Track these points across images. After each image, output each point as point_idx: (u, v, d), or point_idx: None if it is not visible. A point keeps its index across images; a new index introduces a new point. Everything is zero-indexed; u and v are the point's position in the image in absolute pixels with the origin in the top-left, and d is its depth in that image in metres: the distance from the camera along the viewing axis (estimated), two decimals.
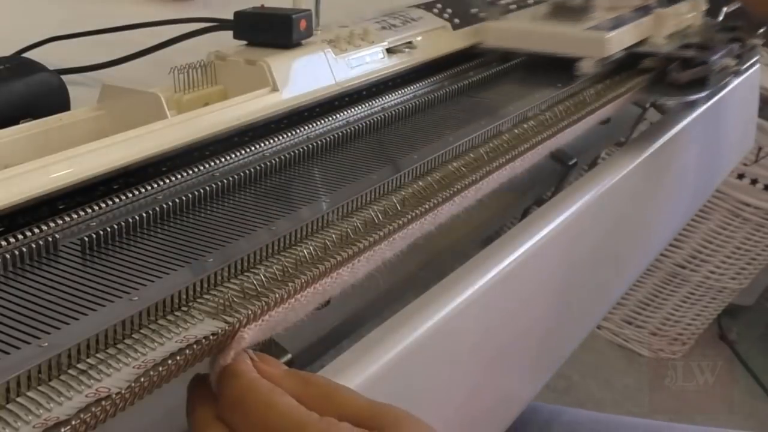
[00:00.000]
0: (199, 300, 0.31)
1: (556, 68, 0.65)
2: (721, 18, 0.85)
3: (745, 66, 0.80)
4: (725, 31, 0.79)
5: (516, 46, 0.68)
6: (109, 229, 0.35)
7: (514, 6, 0.76)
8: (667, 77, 0.67)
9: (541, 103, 0.58)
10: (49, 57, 0.57)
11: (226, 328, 0.30)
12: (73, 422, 0.24)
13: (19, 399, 0.25)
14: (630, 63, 0.69)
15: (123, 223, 0.36)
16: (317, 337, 0.42)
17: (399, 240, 0.39)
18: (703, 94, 0.69)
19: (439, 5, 0.70)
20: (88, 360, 0.27)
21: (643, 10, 0.75)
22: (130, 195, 0.40)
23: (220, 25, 0.63)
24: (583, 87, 0.63)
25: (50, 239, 0.34)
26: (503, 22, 0.71)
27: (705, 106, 0.80)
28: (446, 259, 0.50)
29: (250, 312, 0.30)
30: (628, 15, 0.73)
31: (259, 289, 0.32)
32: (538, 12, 0.75)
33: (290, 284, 0.33)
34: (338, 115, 0.53)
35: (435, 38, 0.66)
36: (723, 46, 0.72)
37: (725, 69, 0.71)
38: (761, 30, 0.83)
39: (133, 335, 0.29)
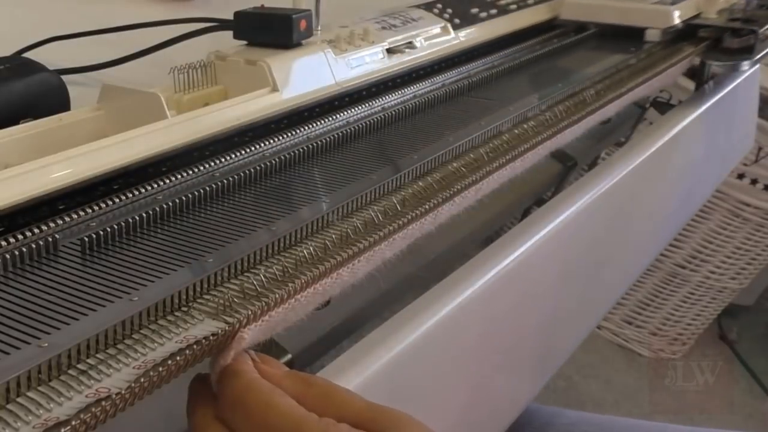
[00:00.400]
0: (199, 300, 0.31)
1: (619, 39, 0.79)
2: None
3: None
4: (765, 9, 0.91)
5: (591, 19, 0.82)
6: (109, 229, 0.35)
7: None
8: (721, 44, 0.82)
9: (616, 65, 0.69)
10: (49, 57, 0.57)
11: (226, 328, 0.30)
12: (73, 422, 0.24)
13: (19, 399, 0.25)
14: (687, 35, 0.83)
15: (123, 223, 0.36)
16: (317, 337, 0.42)
17: (399, 240, 0.39)
18: (752, 59, 0.80)
19: (439, 5, 0.70)
20: (88, 360, 0.27)
21: None
22: (130, 195, 0.40)
23: (220, 25, 0.63)
24: (651, 52, 0.77)
25: (50, 239, 0.34)
26: None
27: (705, 106, 0.80)
28: (446, 259, 0.50)
29: (250, 312, 0.30)
30: None
31: (259, 289, 0.32)
32: None
33: (290, 284, 0.33)
34: (338, 116, 0.53)
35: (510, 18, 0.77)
36: (766, 19, 0.84)
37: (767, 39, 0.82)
38: None
39: (133, 335, 0.29)
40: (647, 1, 0.83)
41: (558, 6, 0.84)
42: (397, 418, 0.29)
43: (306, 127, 0.50)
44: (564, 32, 0.84)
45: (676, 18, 0.80)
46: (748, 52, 0.81)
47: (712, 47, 0.83)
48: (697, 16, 0.85)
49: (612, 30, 0.82)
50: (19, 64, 0.52)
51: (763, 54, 0.83)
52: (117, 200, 0.39)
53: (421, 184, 0.43)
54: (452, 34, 0.68)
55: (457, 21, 0.70)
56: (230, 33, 0.54)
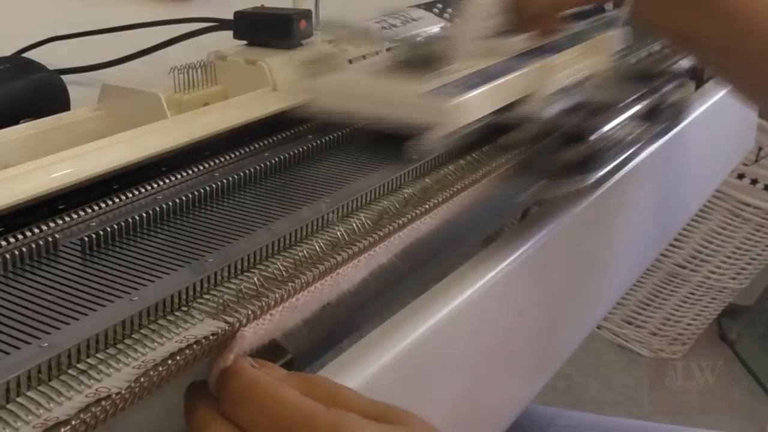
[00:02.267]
0: (199, 300, 0.31)
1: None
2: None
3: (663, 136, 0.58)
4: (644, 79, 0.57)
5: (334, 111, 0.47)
6: (109, 229, 0.35)
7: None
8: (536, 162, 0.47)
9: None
10: (49, 57, 0.57)
11: (226, 328, 0.30)
12: (73, 422, 0.24)
13: (19, 399, 0.25)
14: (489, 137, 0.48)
15: (123, 223, 0.36)
16: (317, 337, 0.42)
17: (397, 241, 0.39)
18: (590, 181, 0.47)
19: (439, 5, 0.70)
20: (88, 360, 0.27)
21: (529, 57, 0.53)
22: (130, 195, 0.40)
23: (220, 25, 0.63)
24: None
25: (50, 239, 0.34)
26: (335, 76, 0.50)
27: (705, 106, 0.80)
28: (446, 259, 0.50)
29: (249, 312, 0.30)
30: (500, 67, 0.51)
31: (258, 289, 0.32)
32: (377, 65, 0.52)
33: (290, 284, 0.33)
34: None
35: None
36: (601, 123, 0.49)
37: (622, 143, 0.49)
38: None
39: (133, 335, 0.29)
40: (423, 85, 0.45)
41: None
42: (403, 416, 0.29)
43: (306, 127, 0.50)
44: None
45: (462, 117, 0.45)
46: (581, 168, 0.47)
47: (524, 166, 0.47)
48: (510, 107, 0.49)
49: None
50: (19, 64, 0.52)
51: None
52: (117, 200, 0.39)
53: (422, 183, 0.43)
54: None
55: (457, 21, 0.70)
56: (230, 33, 0.54)
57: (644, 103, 0.54)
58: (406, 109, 0.44)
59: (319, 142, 0.47)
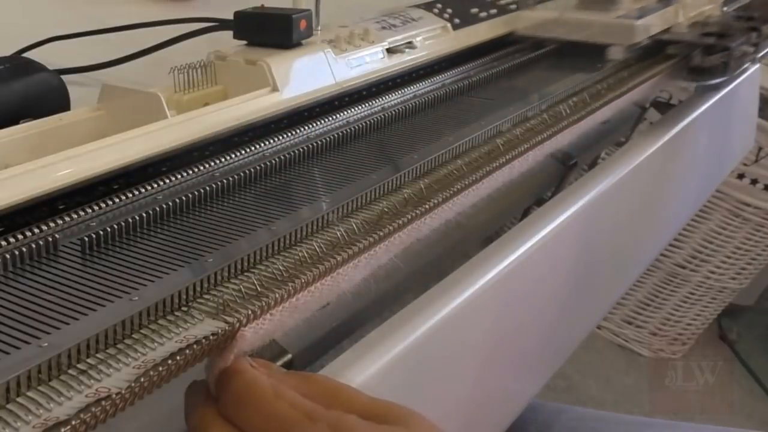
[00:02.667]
0: (199, 300, 0.31)
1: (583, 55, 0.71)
2: (737, 7, 0.89)
3: (761, 54, 0.81)
4: (742, 20, 0.81)
5: (549, 35, 0.74)
6: (109, 229, 0.35)
7: None
8: (690, 63, 0.74)
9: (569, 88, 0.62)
10: (49, 57, 0.57)
11: (226, 328, 0.30)
12: (73, 422, 0.24)
13: (19, 399, 0.25)
14: (655, 51, 0.74)
15: (123, 223, 0.36)
16: (317, 337, 0.42)
17: (397, 241, 0.39)
18: (723, 79, 0.74)
19: (439, 5, 0.70)
20: (88, 360, 0.27)
21: (666, 1, 0.79)
22: (130, 195, 0.40)
23: (220, 25, 0.63)
24: (612, 72, 0.68)
25: (50, 239, 0.34)
26: (536, 11, 0.76)
27: (705, 106, 0.80)
28: (446, 259, 0.50)
29: (249, 312, 0.30)
30: (653, 5, 0.77)
31: (258, 289, 0.32)
32: (568, 2, 0.78)
33: (290, 284, 0.33)
34: (338, 115, 0.53)
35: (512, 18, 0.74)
36: (741, 34, 0.75)
37: (744, 56, 0.75)
38: None
39: (133, 335, 0.29)
40: (610, 14, 0.73)
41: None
42: (404, 414, 0.29)
43: (306, 127, 0.50)
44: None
45: (642, 34, 0.71)
46: (721, 71, 0.73)
47: (681, 66, 0.75)
48: (667, 31, 0.77)
49: (571, 47, 0.73)
50: (19, 64, 0.52)
51: (740, 71, 0.78)
52: (117, 200, 0.39)
53: (426, 181, 0.43)
54: (452, 33, 0.68)
55: (457, 21, 0.70)
56: (230, 33, 0.54)
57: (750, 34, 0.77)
58: (602, 29, 0.70)
59: (319, 142, 0.47)
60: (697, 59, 0.73)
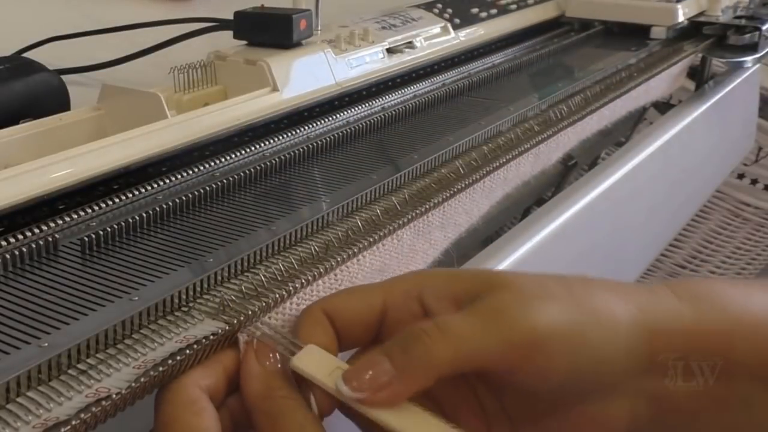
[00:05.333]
0: (199, 300, 0.31)
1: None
2: None
3: (761, 54, 0.87)
4: None
5: (596, 16, 0.84)
6: (109, 229, 0.35)
7: None
8: (725, 41, 0.83)
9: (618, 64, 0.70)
10: (49, 57, 0.57)
11: (226, 328, 0.29)
12: (73, 422, 0.24)
13: (19, 399, 0.25)
14: (691, 33, 0.85)
15: (123, 223, 0.36)
16: None
17: (400, 239, 0.39)
18: (756, 56, 0.83)
19: (439, 5, 0.70)
20: (88, 360, 0.27)
21: None
22: (130, 195, 0.40)
23: (220, 25, 0.63)
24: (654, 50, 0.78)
25: (50, 239, 0.34)
26: None
27: (705, 106, 0.80)
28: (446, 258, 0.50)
29: (249, 312, 0.30)
30: None
31: (258, 289, 0.32)
32: None
33: (290, 284, 0.33)
34: (338, 115, 0.53)
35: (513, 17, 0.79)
36: None
37: None
38: None
39: (133, 335, 0.29)
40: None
41: (564, 4, 0.85)
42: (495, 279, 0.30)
43: (306, 127, 0.50)
44: (566, 31, 0.84)
45: (681, 15, 0.82)
46: (752, 49, 0.83)
47: (717, 45, 0.84)
48: (701, 14, 0.87)
49: (617, 28, 0.83)
50: (19, 64, 0.52)
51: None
52: (117, 200, 0.39)
53: (425, 181, 0.43)
54: (452, 34, 0.68)
55: (457, 21, 0.70)
56: (230, 33, 0.54)
57: None
58: (641, 11, 0.82)
59: (319, 142, 0.47)
60: (732, 39, 0.83)
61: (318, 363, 0.28)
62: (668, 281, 0.32)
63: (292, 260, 0.34)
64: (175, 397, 0.27)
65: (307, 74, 0.53)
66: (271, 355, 0.29)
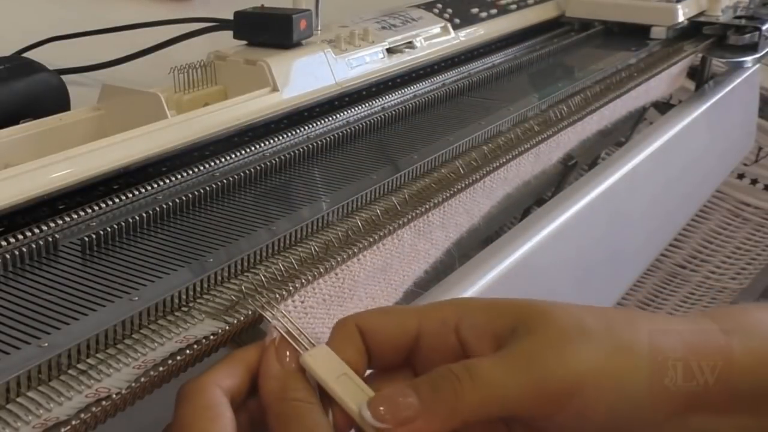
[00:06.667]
0: (199, 300, 0.31)
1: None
2: None
3: (761, 54, 0.88)
4: None
5: (596, 16, 0.85)
6: (109, 229, 0.35)
7: None
8: (725, 41, 0.84)
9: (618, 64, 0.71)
10: (49, 57, 0.57)
11: (226, 328, 0.29)
12: (73, 422, 0.24)
13: (19, 399, 0.25)
14: (691, 33, 0.85)
15: (123, 223, 0.36)
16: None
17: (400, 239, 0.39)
18: (756, 56, 0.84)
19: (439, 5, 0.70)
20: (88, 360, 0.27)
21: None
22: (130, 195, 0.40)
23: (220, 25, 0.63)
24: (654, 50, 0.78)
25: (50, 239, 0.34)
26: None
27: (705, 106, 0.80)
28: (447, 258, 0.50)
29: (249, 312, 0.30)
30: None
31: (258, 289, 0.32)
32: None
33: (290, 284, 0.33)
34: (338, 115, 0.53)
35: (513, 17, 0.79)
36: None
37: None
38: None
39: (133, 335, 0.29)
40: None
41: (564, 4, 0.85)
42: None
43: (306, 127, 0.50)
44: (566, 31, 0.84)
45: (681, 15, 0.82)
46: (752, 49, 0.83)
47: (717, 45, 0.84)
48: (701, 14, 0.87)
49: (617, 28, 0.83)
50: (19, 64, 0.52)
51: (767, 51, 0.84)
52: (117, 200, 0.39)
53: (426, 181, 0.43)
54: (452, 34, 0.68)
55: (457, 21, 0.70)
56: (230, 33, 0.54)
57: None
58: (642, 11, 0.82)
59: (319, 142, 0.47)
60: (732, 39, 0.83)
61: (329, 365, 0.28)
62: (711, 312, 0.31)
63: (292, 260, 0.34)
64: (194, 398, 0.27)
65: (307, 74, 0.53)
66: (290, 354, 0.29)
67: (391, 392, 0.27)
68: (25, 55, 0.63)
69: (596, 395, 0.27)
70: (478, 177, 0.46)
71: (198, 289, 0.32)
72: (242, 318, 0.30)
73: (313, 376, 0.28)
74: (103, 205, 0.38)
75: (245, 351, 0.29)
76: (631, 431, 0.28)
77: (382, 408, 0.27)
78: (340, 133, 0.49)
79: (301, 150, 0.46)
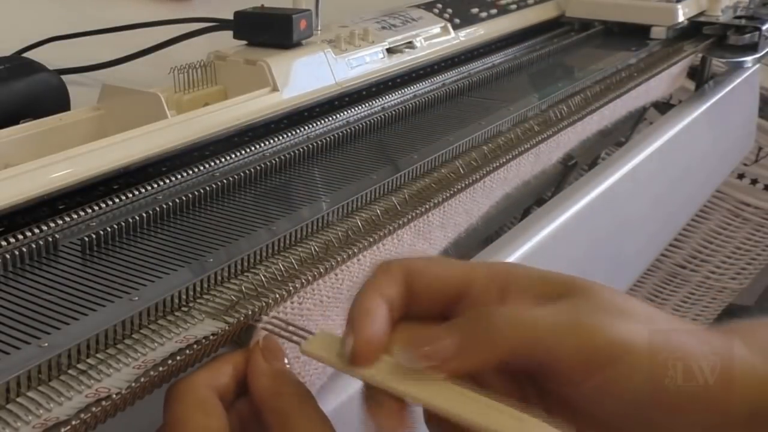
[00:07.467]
0: (199, 300, 0.31)
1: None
2: None
3: (761, 54, 0.88)
4: None
5: (596, 16, 0.85)
6: (109, 229, 0.35)
7: None
8: (725, 41, 0.84)
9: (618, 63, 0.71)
10: (49, 57, 0.57)
11: (227, 328, 0.29)
12: (73, 422, 0.24)
13: (19, 399, 0.25)
14: (691, 33, 0.85)
15: (123, 223, 0.36)
16: None
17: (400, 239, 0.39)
18: (756, 56, 0.84)
19: (439, 5, 0.70)
20: (88, 360, 0.27)
21: None
22: (130, 195, 0.40)
23: (220, 25, 0.63)
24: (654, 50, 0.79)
25: (50, 239, 0.34)
26: None
27: (705, 106, 0.80)
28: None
29: (249, 311, 0.30)
30: None
31: (258, 289, 0.32)
32: None
33: (290, 284, 0.33)
34: (338, 115, 0.53)
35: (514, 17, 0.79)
36: None
37: None
38: None
39: (133, 335, 0.29)
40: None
41: (564, 4, 0.85)
42: (581, 285, 0.28)
43: (306, 127, 0.50)
44: (566, 31, 0.84)
45: (681, 15, 0.83)
46: (752, 49, 0.83)
47: (717, 45, 0.84)
48: (701, 14, 0.87)
49: (617, 28, 0.83)
50: (19, 64, 0.52)
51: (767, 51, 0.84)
52: (117, 200, 0.39)
53: (425, 181, 0.43)
54: (452, 34, 0.68)
55: (457, 21, 0.70)
56: (230, 33, 0.54)
57: None
58: (642, 11, 0.82)
59: (319, 142, 0.47)
60: (732, 39, 0.83)
61: (328, 346, 0.28)
62: (737, 326, 0.30)
63: (292, 260, 0.34)
64: (186, 396, 0.27)
65: (307, 74, 0.53)
66: (278, 353, 0.29)
67: (426, 333, 0.27)
68: (25, 55, 0.63)
69: (629, 373, 0.26)
70: (478, 177, 0.46)
71: (198, 289, 0.32)
72: (242, 318, 0.30)
73: (319, 361, 0.28)
74: (103, 205, 0.38)
75: (232, 353, 0.29)
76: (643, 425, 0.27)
77: (418, 349, 0.26)
78: (340, 133, 0.49)
79: (301, 150, 0.46)
